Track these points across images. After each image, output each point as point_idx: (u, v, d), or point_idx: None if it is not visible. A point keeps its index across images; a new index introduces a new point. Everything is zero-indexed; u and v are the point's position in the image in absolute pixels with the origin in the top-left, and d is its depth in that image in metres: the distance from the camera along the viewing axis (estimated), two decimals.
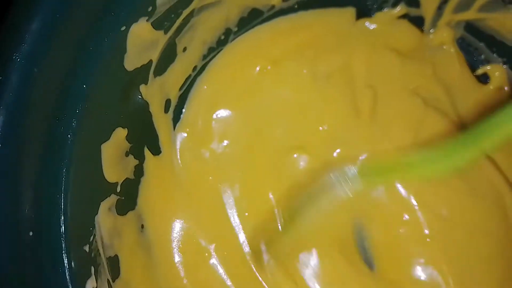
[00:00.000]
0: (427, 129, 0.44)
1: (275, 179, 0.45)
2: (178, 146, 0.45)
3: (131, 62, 0.38)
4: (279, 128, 0.45)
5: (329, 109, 0.45)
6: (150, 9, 0.37)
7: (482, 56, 0.47)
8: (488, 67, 0.46)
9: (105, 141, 0.38)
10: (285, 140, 0.45)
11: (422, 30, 0.47)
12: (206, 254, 0.44)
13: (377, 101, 0.44)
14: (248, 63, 0.47)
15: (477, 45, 0.46)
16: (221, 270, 0.43)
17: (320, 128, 0.45)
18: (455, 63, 0.46)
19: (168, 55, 0.42)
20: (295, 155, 0.44)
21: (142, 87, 0.41)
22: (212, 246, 0.44)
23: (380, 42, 0.46)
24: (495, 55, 0.46)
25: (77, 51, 0.34)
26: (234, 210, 0.44)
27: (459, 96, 0.46)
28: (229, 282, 0.43)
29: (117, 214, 0.40)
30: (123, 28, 0.36)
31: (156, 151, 0.44)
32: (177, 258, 0.43)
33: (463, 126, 0.45)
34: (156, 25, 0.39)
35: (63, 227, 0.33)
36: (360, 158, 0.43)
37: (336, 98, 0.45)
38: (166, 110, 0.44)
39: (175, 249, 0.44)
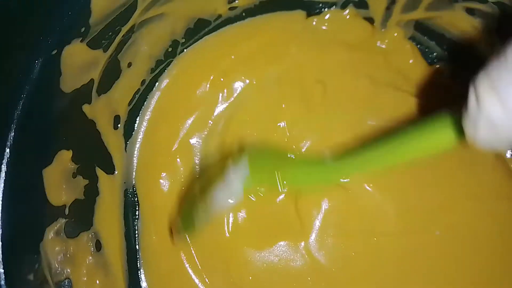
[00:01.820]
0: (379, 104, 0.44)
1: None
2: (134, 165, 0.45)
3: (68, 84, 0.37)
4: (234, 136, 0.45)
5: (282, 110, 0.45)
6: (83, 29, 0.37)
7: (435, 54, 0.46)
8: (439, 65, 0.45)
9: (47, 166, 0.37)
10: (241, 146, 0.44)
11: (373, 25, 0.46)
12: None
13: (326, 93, 0.44)
14: (199, 75, 0.46)
15: (428, 44, 0.46)
16: None
17: (275, 128, 0.45)
18: (408, 55, 0.46)
19: (112, 72, 0.41)
20: None
21: (85, 107, 0.40)
22: None
23: (329, 38, 0.46)
24: (446, 53, 0.45)
25: (5, 75, 0.33)
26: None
27: (414, 77, 0.45)
28: None
29: (67, 237, 0.39)
30: (54, 51, 0.35)
31: (110, 169, 0.44)
32: None
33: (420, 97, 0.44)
34: (93, 45, 0.38)
35: (1, 261, 0.32)
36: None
37: (288, 99, 0.45)
38: (116, 126, 0.44)
39: None
